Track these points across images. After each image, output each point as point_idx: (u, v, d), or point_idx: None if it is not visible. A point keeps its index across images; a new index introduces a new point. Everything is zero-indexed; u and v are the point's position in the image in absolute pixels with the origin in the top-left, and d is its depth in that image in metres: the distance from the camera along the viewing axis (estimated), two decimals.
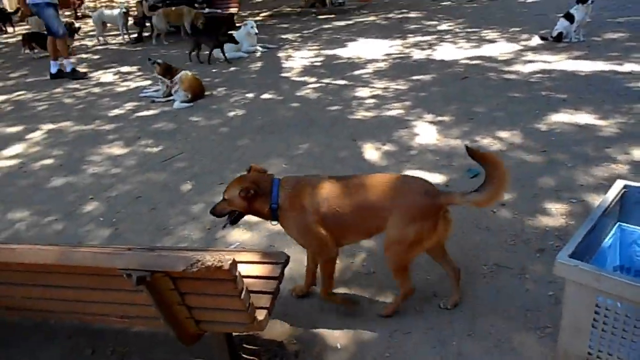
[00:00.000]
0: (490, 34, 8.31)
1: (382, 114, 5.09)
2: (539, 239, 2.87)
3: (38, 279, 1.84)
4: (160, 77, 6.08)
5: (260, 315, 1.77)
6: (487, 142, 4.17)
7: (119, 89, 7.04)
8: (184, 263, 1.44)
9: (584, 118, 4.47)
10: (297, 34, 9.97)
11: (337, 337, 2.31)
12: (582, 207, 3.12)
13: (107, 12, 10.99)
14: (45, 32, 10.23)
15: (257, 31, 8.48)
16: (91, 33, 12.63)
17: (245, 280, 1.75)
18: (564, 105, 4.83)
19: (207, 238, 3.19)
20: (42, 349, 2.40)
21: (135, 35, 10.73)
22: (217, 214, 2.34)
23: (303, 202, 2.18)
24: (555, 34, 7.23)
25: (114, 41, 10.76)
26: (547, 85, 5.47)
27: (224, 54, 7.92)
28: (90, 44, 11.11)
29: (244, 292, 1.63)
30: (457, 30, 8.95)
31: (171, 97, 6.10)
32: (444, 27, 9.33)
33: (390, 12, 11.65)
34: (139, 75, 7.69)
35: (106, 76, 7.88)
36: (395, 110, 5.15)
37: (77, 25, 9.95)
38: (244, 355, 2.17)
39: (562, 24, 7.17)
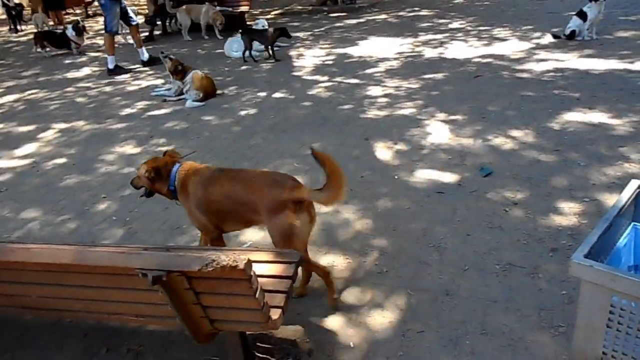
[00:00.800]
0: (502, 32, 8.24)
1: (394, 113, 5.07)
2: (552, 238, 2.84)
3: (53, 279, 1.86)
4: (171, 73, 6.10)
5: (275, 314, 1.78)
6: (499, 141, 4.15)
7: (131, 88, 7.10)
8: (199, 263, 1.45)
9: (598, 117, 4.42)
10: (309, 32, 9.96)
11: (350, 335, 2.31)
12: (596, 207, 3.09)
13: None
14: (57, 31, 10.41)
15: (268, 28, 8.47)
16: (102, 32, 12.75)
17: (259, 279, 1.76)
18: (578, 104, 4.78)
19: None
20: (57, 348, 2.43)
21: (147, 34, 10.79)
22: (133, 186, 2.70)
23: (188, 188, 2.47)
24: (568, 32, 7.15)
25: (123, 41, 10.81)
26: (560, 83, 5.41)
27: (273, 52, 7.75)
28: (101, 42, 11.20)
29: (258, 292, 1.63)
30: (469, 28, 8.89)
31: (183, 96, 6.13)
32: (455, 25, 9.27)
33: (402, 10, 11.60)
34: (150, 74, 7.74)
35: (118, 75, 7.94)
36: (407, 109, 5.14)
37: (81, 24, 9.93)
38: (257, 354, 2.18)
39: (575, 22, 7.09)
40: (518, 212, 3.13)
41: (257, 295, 1.63)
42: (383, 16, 11.17)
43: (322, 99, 5.78)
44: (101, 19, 15.11)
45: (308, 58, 7.81)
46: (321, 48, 8.48)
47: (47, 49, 9.86)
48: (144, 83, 7.28)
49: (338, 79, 6.52)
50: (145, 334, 2.44)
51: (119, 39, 10.51)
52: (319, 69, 7.12)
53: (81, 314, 2.10)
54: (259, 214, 2.32)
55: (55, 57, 9.84)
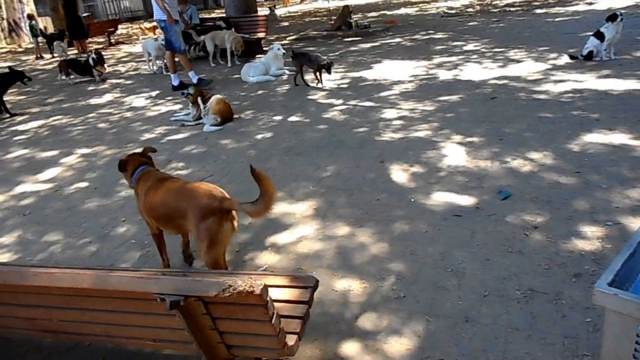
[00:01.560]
0: (518, 54, 8.24)
1: (410, 135, 5.08)
2: (575, 264, 2.78)
3: (74, 303, 1.89)
4: (196, 103, 6.24)
5: (291, 340, 1.76)
6: (517, 163, 4.11)
7: (150, 114, 7.26)
8: (216, 288, 1.46)
9: (619, 138, 4.36)
10: (324, 57, 10.10)
11: None
12: (619, 231, 3.01)
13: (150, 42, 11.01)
14: (81, 59, 10.74)
15: (284, 51, 8.62)
16: (124, 59, 13.15)
17: (275, 304, 1.76)
18: (597, 125, 4.72)
19: (235, 260, 3.22)
20: None
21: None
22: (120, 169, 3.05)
23: (138, 189, 2.87)
24: (585, 52, 7.13)
25: (145, 66, 11.11)
26: (578, 104, 5.36)
27: (320, 77, 7.62)
28: (123, 69, 11.53)
29: (274, 317, 1.63)
30: (484, 50, 8.91)
31: (201, 121, 6.25)
32: (470, 47, 9.31)
33: (416, 34, 11.72)
34: (169, 100, 7.92)
35: (138, 101, 8.14)
36: (422, 132, 5.13)
37: (95, 54, 10.06)
38: None
39: (592, 42, 7.07)
40: (538, 236, 3.07)
41: (273, 321, 1.62)
42: (397, 40, 11.29)
43: (337, 122, 5.83)
44: (123, 47, 15.67)
45: (323, 81, 7.90)
46: (336, 72, 8.57)
47: (72, 76, 10.17)
48: (163, 108, 7.44)
49: (353, 102, 6.57)
50: (163, 358, 2.43)
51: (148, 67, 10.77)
52: (333, 93, 7.20)
53: (100, 337, 2.12)
54: (187, 220, 2.58)
55: (79, 84, 10.14)
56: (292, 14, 21.48)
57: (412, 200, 3.73)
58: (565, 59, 7.42)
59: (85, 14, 18.25)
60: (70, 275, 1.87)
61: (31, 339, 2.64)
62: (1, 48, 19.35)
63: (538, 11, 12.93)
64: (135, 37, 16.91)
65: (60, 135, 6.69)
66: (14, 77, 8.24)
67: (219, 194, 2.58)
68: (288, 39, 13.21)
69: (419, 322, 2.48)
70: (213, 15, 18.93)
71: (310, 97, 7.13)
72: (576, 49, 7.56)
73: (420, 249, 3.10)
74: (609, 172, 3.76)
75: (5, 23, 19.79)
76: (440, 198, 3.70)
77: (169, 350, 2.43)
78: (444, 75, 7.43)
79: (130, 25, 17.41)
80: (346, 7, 13.47)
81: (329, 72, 7.48)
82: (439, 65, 8.10)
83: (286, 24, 17.70)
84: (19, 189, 4.91)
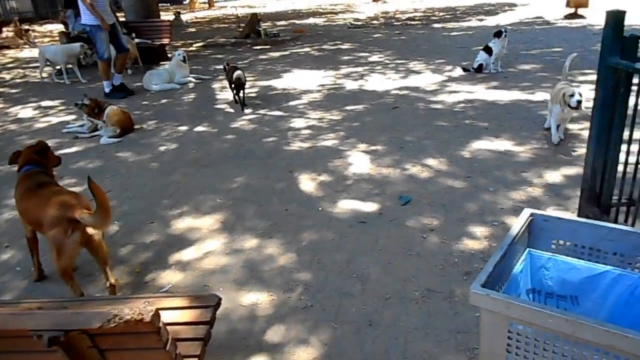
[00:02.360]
0: (417, 65, 8.75)
1: (318, 145, 5.17)
2: (466, 263, 2.99)
3: None
4: (89, 119, 5.84)
5: None
6: (416, 170, 4.34)
7: (39, 125, 6.66)
8: (99, 319, 1.36)
9: (504, 144, 4.79)
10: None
11: None
12: (503, 230, 3.29)
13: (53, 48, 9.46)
14: None
15: (185, 56, 8.37)
16: (9, 65, 11.98)
17: (172, 327, 1.68)
18: (486, 132, 5.15)
19: (135, 282, 3.04)
20: None
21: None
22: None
23: (17, 188, 2.90)
24: (476, 65, 7.75)
25: (34, 74, 10.18)
26: (470, 114, 5.81)
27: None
28: (8, 77, 10.49)
29: (169, 343, 1.55)
30: (387, 61, 9.35)
31: (97, 133, 5.86)
32: (375, 58, 9.72)
33: (324, 44, 11.99)
34: (61, 110, 7.33)
35: (25, 111, 7.43)
36: (330, 141, 5.25)
37: None
38: None
39: (482, 56, 7.71)
40: (435, 238, 3.27)
41: (168, 348, 1.55)
42: (306, 49, 11.47)
43: (245, 131, 5.77)
44: (9, 52, 14.24)
45: (231, 90, 7.79)
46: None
47: None
48: (54, 119, 6.87)
49: (262, 111, 6.56)
50: None
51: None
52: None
53: None
54: (44, 228, 2.62)
55: None
56: (200, 20, 20.95)
57: (320, 209, 3.79)
58: (458, 71, 8.02)
59: None
60: None
61: None
62: None
63: (436, 25, 13.84)
64: (25, 40, 15.43)
65: None
66: None
67: (72, 203, 2.59)
68: (195, 45, 12.87)
69: (326, 330, 2.52)
70: None
71: (217, 106, 7.00)
72: (468, 62, 8.19)
73: (327, 257, 3.16)
74: (495, 176, 4.11)
75: None
76: (346, 206, 3.81)
77: None
78: (350, 85, 7.68)
79: (17, 27, 15.83)
80: (255, 14, 13.42)
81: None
82: (346, 76, 8.36)
83: (193, 30, 17.23)
84: None
